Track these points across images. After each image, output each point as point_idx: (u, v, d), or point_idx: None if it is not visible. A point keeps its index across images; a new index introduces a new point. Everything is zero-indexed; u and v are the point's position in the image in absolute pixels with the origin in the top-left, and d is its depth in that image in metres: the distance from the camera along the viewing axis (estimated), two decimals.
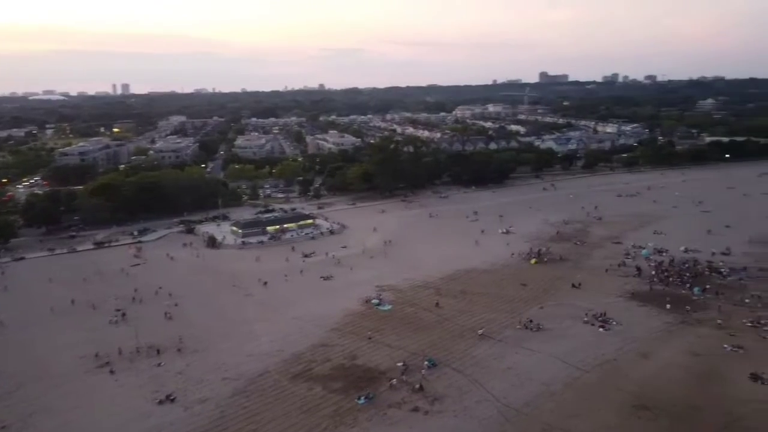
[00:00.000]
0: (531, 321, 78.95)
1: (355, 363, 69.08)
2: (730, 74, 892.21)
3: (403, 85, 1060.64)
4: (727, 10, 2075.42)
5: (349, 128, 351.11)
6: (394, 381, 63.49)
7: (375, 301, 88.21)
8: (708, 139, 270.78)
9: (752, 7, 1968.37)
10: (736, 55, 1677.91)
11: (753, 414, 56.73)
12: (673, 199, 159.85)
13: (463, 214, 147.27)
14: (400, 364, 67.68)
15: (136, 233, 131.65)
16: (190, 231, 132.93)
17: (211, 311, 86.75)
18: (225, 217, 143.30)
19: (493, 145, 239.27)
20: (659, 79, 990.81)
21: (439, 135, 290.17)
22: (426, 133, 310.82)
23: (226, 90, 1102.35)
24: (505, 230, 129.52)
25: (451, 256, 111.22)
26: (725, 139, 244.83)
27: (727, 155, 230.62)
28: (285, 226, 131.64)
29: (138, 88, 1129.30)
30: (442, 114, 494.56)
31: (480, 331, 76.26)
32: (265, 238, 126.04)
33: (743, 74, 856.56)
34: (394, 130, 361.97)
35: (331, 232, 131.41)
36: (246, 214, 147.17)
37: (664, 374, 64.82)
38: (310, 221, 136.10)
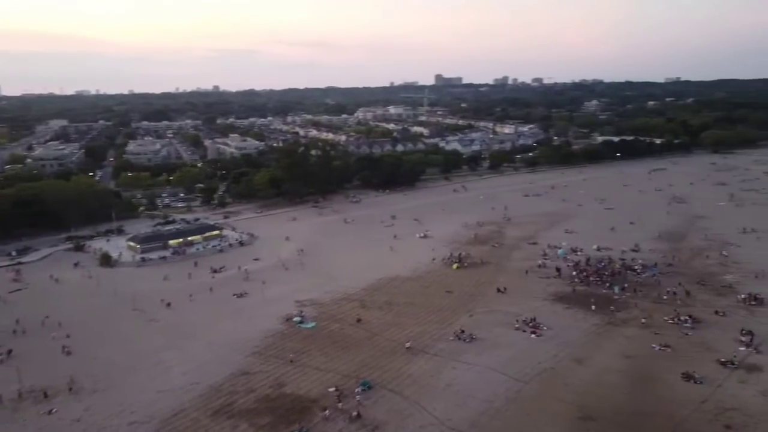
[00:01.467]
0: (463, 331, 75.94)
1: (283, 392, 62.58)
2: (607, 77, 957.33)
3: (301, 86, 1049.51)
4: (606, 20, 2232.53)
5: (250, 131, 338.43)
6: (327, 412, 57.72)
7: (297, 318, 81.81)
8: (599, 138, 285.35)
9: (627, 17, 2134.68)
10: (613, 60, 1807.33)
11: (694, 416, 56.45)
12: (577, 197, 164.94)
13: (378, 218, 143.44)
14: (332, 389, 62.03)
15: (14, 253, 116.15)
16: (79, 248, 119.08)
17: (111, 341, 76.52)
18: (120, 231, 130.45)
19: (399, 147, 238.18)
20: (545, 81, 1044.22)
21: (344, 137, 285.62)
22: (330, 136, 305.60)
23: (111, 92, 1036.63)
24: (422, 234, 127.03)
25: (371, 264, 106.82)
26: (616, 139, 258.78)
27: (618, 154, 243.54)
28: (189, 238, 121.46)
29: (9, 90, 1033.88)
30: (344, 116, 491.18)
31: (407, 344, 72.33)
32: (167, 253, 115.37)
33: (620, 77, 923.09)
34: (297, 133, 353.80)
35: (241, 244, 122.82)
36: (144, 227, 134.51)
37: (602, 380, 63.75)
38: (216, 232, 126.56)
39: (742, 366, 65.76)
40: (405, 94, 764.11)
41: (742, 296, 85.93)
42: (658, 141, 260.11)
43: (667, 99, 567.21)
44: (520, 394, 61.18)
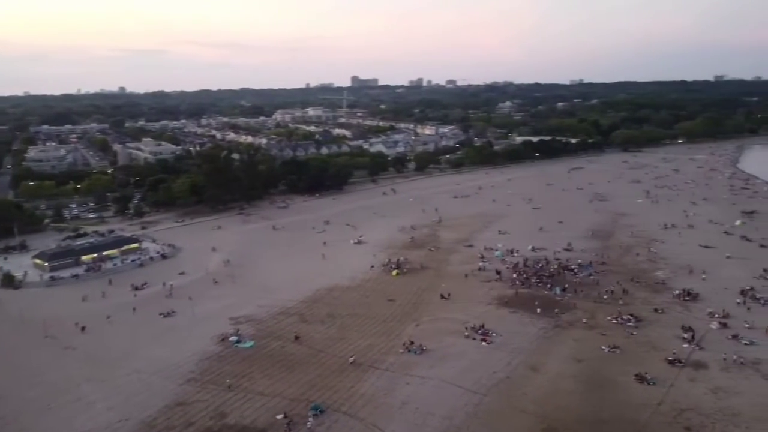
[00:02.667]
0: (412, 342, 72.81)
1: (226, 423, 56.86)
2: (517, 80, 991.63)
3: (213, 88, 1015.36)
4: (516, 24, 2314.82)
5: (163, 135, 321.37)
6: None
7: (233, 337, 75.73)
8: (518, 138, 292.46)
9: (537, 22, 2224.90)
10: (522, 63, 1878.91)
11: (654, 420, 55.95)
12: (506, 197, 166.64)
13: (309, 224, 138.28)
14: (280, 416, 57.02)
15: None
16: None
17: (20, 376, 67.42)
18: (23, 248, 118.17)
19: (324, 150, 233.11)
20: (459, 83, 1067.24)
21: (264, 140, 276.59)
22: (250, 139, 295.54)
23: (4, 93, 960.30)
24: (357, 240, 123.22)
25: (308, 273, 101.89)
26: (535, 139, 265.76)
27: (537, 153, 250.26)
28: (104, 253, 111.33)
29: None
30: (262, 118, 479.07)
31: (351, 359, 68.45)
32: (80, 271, 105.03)
33: (529, 80, 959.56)
34: (214, 136, 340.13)
35: (163, 257, 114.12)
36: (51, 241, 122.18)
37: (559, 387, 62.41)
38: (135, 245, 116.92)
39: (689, 364, 66.56)
40: (323, 95, 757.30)
41: (677, 292, 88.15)
42: (573, 141, 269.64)
43: (575, 100, 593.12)
44: (480, 407, 58.65)
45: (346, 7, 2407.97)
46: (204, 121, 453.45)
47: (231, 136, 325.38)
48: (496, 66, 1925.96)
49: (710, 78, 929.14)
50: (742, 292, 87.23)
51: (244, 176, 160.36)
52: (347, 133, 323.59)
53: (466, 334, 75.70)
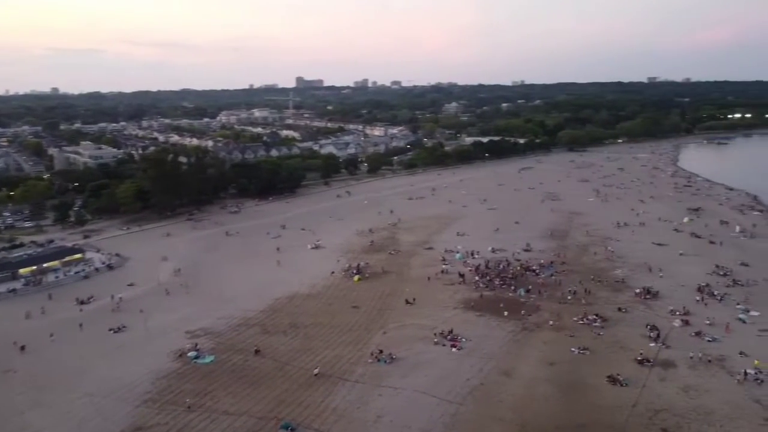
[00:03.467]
0: (381, 351, 70.53)
1: None
2: (461, 81, 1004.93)
3: (153, 89, 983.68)
4: (460, 25, 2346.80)
5: (102, 138, 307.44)
6: None
7: (192, 353, 71.48)
8: (467, 139, 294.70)
9: (479, 23, 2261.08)
10: (466, 64, 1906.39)
11: (631, 422, 55.65)
12: (460, 198, 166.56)
13: (264, 229, 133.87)
14: None
15: None
16: None
17: None
18: None
19: (274, 152, 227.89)
20: (404, 84, 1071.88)
21: (211, 143, 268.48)
22: (195, 141, 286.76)
23: None
24: (314, 245, 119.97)
25: (266, 281, 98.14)
26: (484, 139, 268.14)
27: (487, 154, 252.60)
28: (45, 265, 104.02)
29: None
30: (206, 120, 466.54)
31: (315, 371, 65.65)
32: (18, 285, 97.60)
33: (472, 81, 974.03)
34: (156, 139, 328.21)
35: (110, 267, 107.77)
36: None
37: (534, 393, 61.47)
38: (78, 256, 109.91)
39: (658, 363, 66.90)
40: (268, 96, 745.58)
41: (638, 290, 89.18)
42: (521, 141, 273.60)
43: (519, 101, 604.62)
44: (457, 417, 57.01)
45: (287, 6, 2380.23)
46: (145, 123, 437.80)
47: (175, 138, 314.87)
48: (440, 67, 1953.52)
49: (644, 79, 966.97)
50: (699, 289, 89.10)
51: (193, 180, 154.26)
52: (296, 134, 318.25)
53: (435, 340, 74.01)
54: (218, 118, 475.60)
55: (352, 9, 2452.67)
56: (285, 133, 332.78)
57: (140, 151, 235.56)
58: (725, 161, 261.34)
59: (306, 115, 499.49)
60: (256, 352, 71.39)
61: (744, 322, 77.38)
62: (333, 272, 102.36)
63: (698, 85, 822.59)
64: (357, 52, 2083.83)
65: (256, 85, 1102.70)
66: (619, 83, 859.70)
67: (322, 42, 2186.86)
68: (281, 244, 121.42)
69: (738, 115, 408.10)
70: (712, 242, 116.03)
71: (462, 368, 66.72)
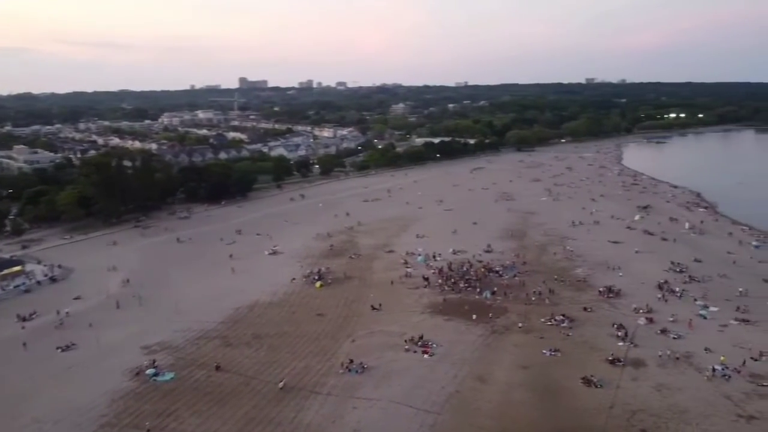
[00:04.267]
0: (351, 361, 68.15)
1: None
2: (406, 81, 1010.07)
3: (89, 90, 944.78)
4: (402, 27, 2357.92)
5: (36, 141, 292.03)
6: None
7: (150, 370, 67.15)
8: (418, 140, 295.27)
9: (422, 25, 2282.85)
10: (410, 65, 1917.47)
11: (610, 424, 55.32)
12: (416, 199, 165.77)
13: (217, 235, 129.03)
14: None
15: None
16: None
17: None
18: None
19: (223, 155, 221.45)
20: (350, 85, 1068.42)
21: (155, 146, 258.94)
22: (137, 144, 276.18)
23: None
24: (271, 251, 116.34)
25: (224, 290, 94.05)
26: (436, 140, 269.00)
27: (438, 155, 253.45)
28: None
29: None
30: (147, 122, 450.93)
31: (280, 384, 62.81)
32: None
33: (417, 82, 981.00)
34: (95, 142, 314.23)
35: (53, 280, 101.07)
36: None
37: (511, 398, 60.46)
38: (17, 268, 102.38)
39: (628, 363, 67.17)
40: (211, 97, 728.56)
41: (600, 289, 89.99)
42: (471, 141, 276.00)
43: (464, 102, 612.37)
44: (436, 428, 55.36)
45: (228, 5, 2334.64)
46: (82, 126, 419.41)
47: (115, 141, 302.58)
48: (384, 68, 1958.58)
49: (582, 81, 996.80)
50: (659, 286, 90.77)
51: (139, 185, 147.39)
52: (243, 136, 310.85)
53: (406, 347, 72.16)
54: (160, 120, 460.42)
55: (294, 9, 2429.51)
56: (232, 135, 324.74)
57: (79, 155, 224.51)
58: (665, 159, 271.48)
59: (252, 117, 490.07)
60: (217, 368, 67.48)
61: (705, 318, 78.99)
62: (294, 279, 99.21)
63: (633, 86, 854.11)
64: (301, 52, 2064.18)
65: (198, 85, 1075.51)
66: (560, 84, 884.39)
67: (265, 42, 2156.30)
68: (236, 250, 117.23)
69: (673, 115, 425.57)
70: (664, 239, 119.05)
71: (436, 375, 65.16)
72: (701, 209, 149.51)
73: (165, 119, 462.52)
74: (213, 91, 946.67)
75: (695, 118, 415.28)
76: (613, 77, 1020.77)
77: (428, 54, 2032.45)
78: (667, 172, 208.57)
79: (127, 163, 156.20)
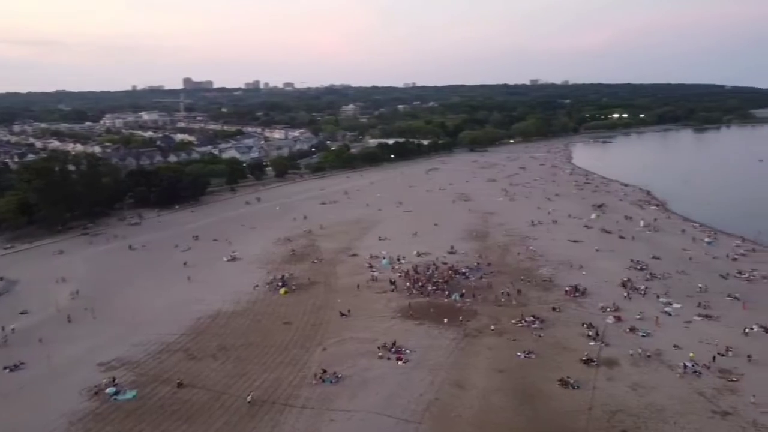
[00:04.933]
0: (324, 371, 65.81)
1: None
2: (354, 82, 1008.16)
3: (23, 90, 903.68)
4: (349, 28, 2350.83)
5: None
6: None
7: (110, 389, 62.96)
8: (371, 141, 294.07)
9: (368, 26, 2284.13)
10: (358, 66, 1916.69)
11: (591, 425, 55.13)
12: (375, 201, 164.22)
13: (171, 241, 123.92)
14: None
15: None
16: None
17: None
18: None
19: (172, 158, 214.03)
20: (298, 86, 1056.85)
21: (98, 148, 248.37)
22: (79, 147, 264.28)
23: None
24: (230, 257, 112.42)
25: (183, 299, 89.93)
26: (390, 141, 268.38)
27: (393, 155, 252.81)
28: None
29: None
30: (88, 124, 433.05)
31: (248, 398, 60.06)
32: None
33: (365, 83, 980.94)
34: (33, 145, 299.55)
35: None
36: None
37: (490, 404, 59.49)
38: None
39: (602, 362, 67.41)
40: (155, 98, 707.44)
41: (567, 289, 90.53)
42: (425, 142, 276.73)
43: (414, 102, 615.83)
44: None
45: (170, 3, 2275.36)
46: (17, 128, 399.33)
47: (55, 144, 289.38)
48: (332, 69, 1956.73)
49: (527, 82, 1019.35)
50: (623, 284, 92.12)
51: (86, 190, 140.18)
52: (192, 138, 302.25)
53: (380, 354, 70.35)
54: (102, 122, 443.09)
55: (239, 8, 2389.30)
56: (179, 137, 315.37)
57: (17, 159, 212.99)
58: (613, 158, 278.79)
59: (199, 118, 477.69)
60: (179, 385, 63.63)
61: (670, 315, 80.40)
62: (256, 286, 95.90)
63: (576, 87, 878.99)
64: (247, 52, 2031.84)
65: (140, 86, 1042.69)
66: (506, 85, 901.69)
67: (209, 42, 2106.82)
68: (193, 257, 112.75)
69: (616, 116, 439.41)
70: (622, 237, 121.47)
71: (413, 383, 63.65)
72: (653, 207, 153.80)
73: (107, 121, 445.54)
74: (156, 92, 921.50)
75: (637, 118, 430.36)
76: (557, 78, 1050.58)
77: (376, 55, 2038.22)
78: (616, 171, 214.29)
79: (71, 167, 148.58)
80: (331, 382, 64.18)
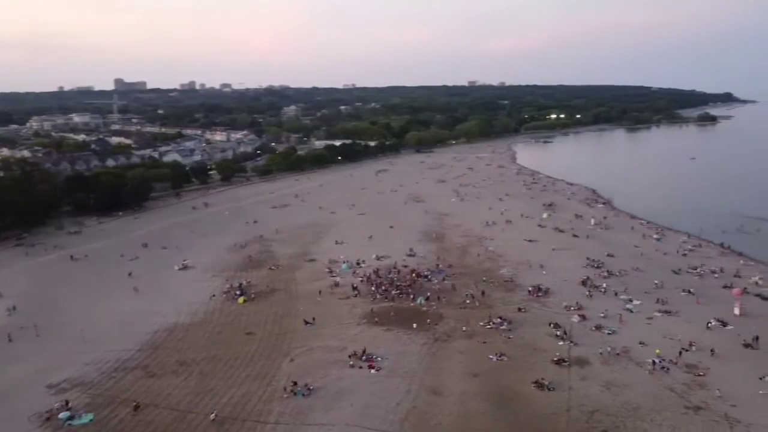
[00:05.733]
0: (295, 383, 63.12)
1: None
2: (293, 83, 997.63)
3: None
4: (285, 28, 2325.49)
5: None
6: None
7: (63, 414, 58.24)
8: (318, 143, 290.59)
9: (308, 23, 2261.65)
10: (296, 67, 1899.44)
11: (570, 426, 54.83)
12: (328, 204, 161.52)
13: (116, 251, 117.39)
14: None
15: None
16: None
17: None
18: None
19: (111, 162, 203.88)
20: (235, 87, 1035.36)
21: (27, 153, 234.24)
22: (5, 151, 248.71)
23: None
24: (182, 266, 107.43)
25: (135, 312, 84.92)
26: (337, 143, 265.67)
27: (340, 157, 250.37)
28: None
29: None
30: (14, 126, 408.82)
31: (212, 416, 56.96)
32: None
33: (305, 84, 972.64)
34: None
35: None
36: None
37: (468, 410, 58.39)
38: None
39: (573, 362, 67.56)
40: (86, 100, 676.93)
41: (529, 289, 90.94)
42: (372, 143, 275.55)
43: (356, 104, 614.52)
44: None
45: (101, 5, 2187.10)
46: None
47: None
48: (269, 69, 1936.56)
49: (465, 83, 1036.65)
50: (583, 283, 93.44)
51: (18, 198, 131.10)
52: (129, 141, 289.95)
53: (351, 363, 68.23)
54: (29, 125, 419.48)
55: (171, 7, 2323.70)
56: (115, 140, 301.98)
57: None
58: (555, 158, 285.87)
59: (135, 120, 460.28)
60: (136, 408, 59.29)
61: (631, 311, 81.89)
62: (213, 295, 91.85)
63: (513, 89, 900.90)
64: (181, 52, 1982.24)
65: (68, 87, 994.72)
66: (445, 87, 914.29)
67: (141, 41, 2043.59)
68: (142, 266, 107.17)
69: (554, 116, 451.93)
70: (575, 236, 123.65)
71: (388, 392, 61.90)
72: (600, 205, 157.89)
73: (34, 123, 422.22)
74: (86, 93, 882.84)
75: (574, 119, 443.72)
76: (493, 80, 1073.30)
77: (315, 56, 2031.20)
78: (560, 170, 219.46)
79: (1, 174, 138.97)
80: (303, 395, 61.58)
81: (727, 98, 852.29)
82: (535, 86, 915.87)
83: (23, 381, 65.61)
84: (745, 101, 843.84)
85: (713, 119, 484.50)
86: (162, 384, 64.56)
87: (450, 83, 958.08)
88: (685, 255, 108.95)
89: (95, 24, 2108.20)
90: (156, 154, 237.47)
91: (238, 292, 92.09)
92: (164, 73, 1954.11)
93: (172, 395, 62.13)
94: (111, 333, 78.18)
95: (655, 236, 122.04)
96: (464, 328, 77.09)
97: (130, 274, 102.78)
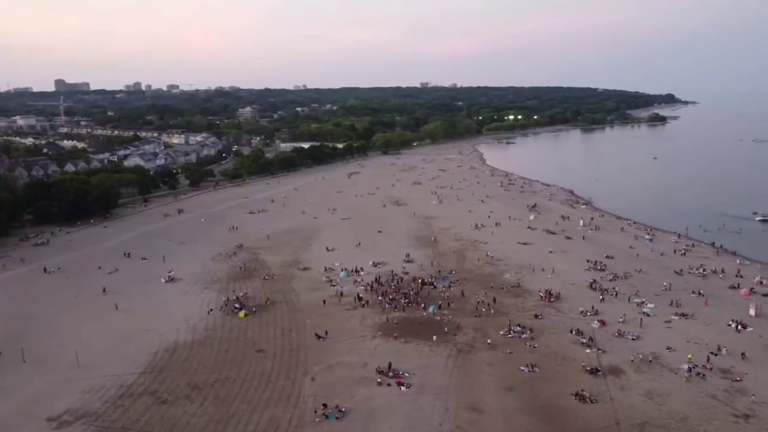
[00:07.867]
0: (325, 405, 58.87)
1: None
2: (243, 85, 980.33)
3: None
4: (237, 27, 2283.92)
5: None
6: None
7: None
8: (283, 145, 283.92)
9: (256, 24, 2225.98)
10: (245, 67, 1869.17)
11: None
12: (310, 208, 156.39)
13: (91, 262, 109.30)
14: None
15: None
16: None
17: None
18: None
19: (69, 167, 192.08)
20: (184, 88, 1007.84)
21: None
22: None
23: None
24: (168, 278, 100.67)
25: (130, 331, 78.47)
26: (306, 145, 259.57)
27: (309, 160, 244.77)
28: None
29: None
30: None
31: None
32: None
33: (255, 85, 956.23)
34: None
35: None
36: None
37: (516, 427, 55.47)
38: None
39: (605, 371, 65.71)
40: (25, 101, 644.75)
41: (541, 294, 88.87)
42: (340, 146, 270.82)
43: (312, 105, 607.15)
44: None
45: (39, 4, 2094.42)
46: None
47: None
48: (219, 70, 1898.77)
49: (418, 84, 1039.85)
50: (591, 286, 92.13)
51: None
52: (83, 145, 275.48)
53: (378, 380, 64.32)
54: None
55: (112, 7, 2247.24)
56: (68, 143, 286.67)
57: None
58: (523, 158, 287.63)
59: (83, 123, 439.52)
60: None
61: (648, 315, 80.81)
62: (211, 309, 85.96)
63: (465, 90, 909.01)
64: (125, 52, 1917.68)
65: (4, 88, 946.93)
66: (398, 88, 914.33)
67: (82, 41, 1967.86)
68: (123, 279, 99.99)
69: (512, 117, 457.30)
70: (568, 238, 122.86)
71: (424, 410, 58.36)
72: (582, 206, 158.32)
73: None
74: (25, 95, 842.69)
75: (531, 120, 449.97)
76: (445, 81, 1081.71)
77: (264, 57, 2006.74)
78: (532, 171, 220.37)
79: None
80: (336, 417, 57.38)
81: (670, 99, 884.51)
82: (487, 87, 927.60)
83: (17, 414, 58.89)
84: (686, 102, 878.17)
85: (663, 120, 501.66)
86: (177, 411, 59.04)
87: (403, 84, 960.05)
88: (683, 255, 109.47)
89: (32, 23, 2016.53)
90: (116, 158, 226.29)
91: (237, 306, 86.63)
92: (107, 73, 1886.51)
93: (191, 424, 56.81)
94: (106, 355, 71.68)
95: (647, 237, 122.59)
96: (487, 340, 73.98)
97: (104, 290, 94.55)
